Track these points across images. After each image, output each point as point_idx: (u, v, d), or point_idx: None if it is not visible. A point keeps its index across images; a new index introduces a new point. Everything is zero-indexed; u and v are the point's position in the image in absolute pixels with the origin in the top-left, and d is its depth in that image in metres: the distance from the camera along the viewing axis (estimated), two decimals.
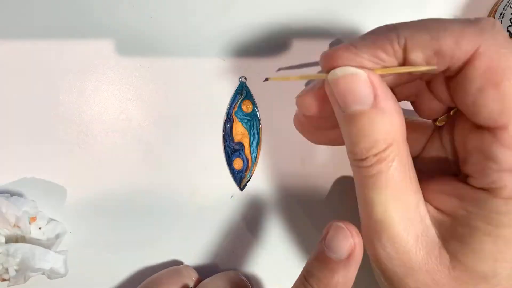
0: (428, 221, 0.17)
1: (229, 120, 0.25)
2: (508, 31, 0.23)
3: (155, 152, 0.26)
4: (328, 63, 0.17)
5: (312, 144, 0.26)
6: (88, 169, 0.26)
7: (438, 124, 0.20)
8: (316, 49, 0.25)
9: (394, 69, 0.16)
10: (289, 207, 0.26)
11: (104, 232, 0.26)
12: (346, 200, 0.26)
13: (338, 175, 0.26)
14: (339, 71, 0.16)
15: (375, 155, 0.16)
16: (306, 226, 0.26)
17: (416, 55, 0.15)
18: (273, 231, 0.27)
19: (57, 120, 0.25)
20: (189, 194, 0.26)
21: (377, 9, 0.25)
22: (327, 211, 0.26)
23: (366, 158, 0.16)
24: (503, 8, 0.23)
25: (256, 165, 0.26)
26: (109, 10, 0.24)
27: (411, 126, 0.19)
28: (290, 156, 0.26)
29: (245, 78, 0.25)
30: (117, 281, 0.27)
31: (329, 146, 0.25)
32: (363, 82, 0.16)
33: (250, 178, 0.26)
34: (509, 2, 0.23)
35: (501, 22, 0.23)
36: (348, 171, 0.26)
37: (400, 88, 0.19)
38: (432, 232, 0.17)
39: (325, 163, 0.26)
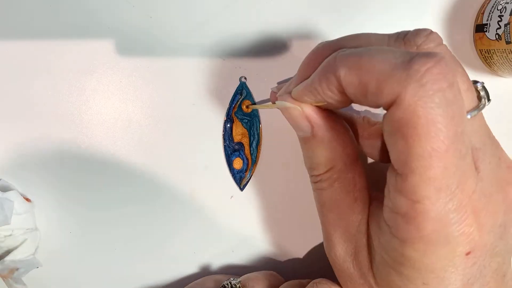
0: (364, 241, 0.18)
1: (229, 120, 0.26)
2: (496, 33, 0.24)
3: (155, 152, 0.26)
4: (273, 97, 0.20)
5: None
6: (88, 169, 0.25)
7: None
8: None
9: (319, 102, 0.18)
10: (288, 207, 0.26)
11: (103, 232, 0.26)
12: None
13: None
14: (278, 104, 0.19)
15: (317, 175, 0.19)
16: (306, 226, 0.27)
17: (350, 93, 0.16)
18: (273, 231, 0.27)
19: (57, 120, 0.25)
20: (189, 194, 0.26)
21: (377, 9, 0.25)
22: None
23: (311, 176, 0.20)
24: (490, 10, 0.24)
25: (256, 165, 0.26)
26: (109, 10, 0.24)
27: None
28: (290, 156, 0.26)
29: (245, 78, 0.26)
30: (115, 281, 0.26)
31: None
32: (298, 115, 0.18)
33: (250, 178, 0.26)
34: (496, 3, 0.24)
35: (489, 25, 0.24)
36: None
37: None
38: (364, 255, 0.18)
39: None
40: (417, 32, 0.17)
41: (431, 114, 0.13)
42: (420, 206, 0.14)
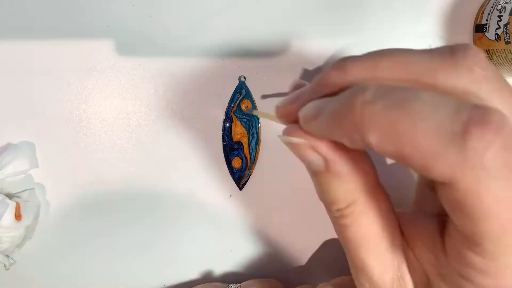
0: (404, 268, 0.16)
1: (228, 119, 0.26)
2: (496, 33, 0.24)
3: (153, 151, 0.26)
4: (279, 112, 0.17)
5: None
6: (87, 168, 0.25)
7: None
8: (315, 49, 0.25)
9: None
10: (287, 207, 0.26)
11: (102, 231, 0.26)
12: None
13: None
14: (283, 138, 0.16)
15: (337, 210, 0.16)
16: (305, 226, 0.27)
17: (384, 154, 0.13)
18: (271, 230, 0.27)
19: (56, 119, 0.25)
20: (187, 193, 0.26)
21: (376, 9, 0.25)
22: (326, 210, 0.26)
23: (328, 210, 0.17)
24: (490, 10, 0.24)
25: (255, 164, 0.26)
26: (109, 9, 0.24)
27: None
28: (289, 156, 0.26)
29: (244, 78, 0.25)
30: (115, 280, 0.26)
31: None
32: (307, 150, 0.15)
33: (249, 178, 0.26)
34: (495, 4, 0.24)
35: (489, 25, 0.24)
36: None
37: None
38: (408, 278, 0.16)
39: None
40: (467, 52, 0.13)
41: (496, 195, 0.11)
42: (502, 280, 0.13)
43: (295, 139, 0.15)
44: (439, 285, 0.15)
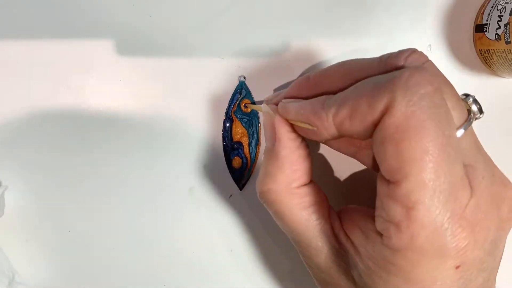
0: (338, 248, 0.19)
1: (228, 119, 0.26)
2: (496, 33, 0.24)
3: (153, 151, 0.26)
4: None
5: (311, 143, 0.26)
6: (87, 168, 0.25)
7: None
8: (315, 49, 0.25)
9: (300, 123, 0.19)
10: None
11: (101, 230, 0.26)
12: (345, 200, 0.26)
13: (337, 174, 0.26)
14: (263, 107, 0.21)
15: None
16: None
17: (344, 128, 0.16)
18: (271, 230, 0.27)
19: (56, 119, 0.25)
20: (187, 193, 0.26)
21: (376, 9, 0.25)
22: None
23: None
24: (490, 10, 0.24)
25: (255, 164, 0.26)
26: (109, 9, 0.24)
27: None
28: None
29: (244, 77, 0.25)
30: (114, 281, 0.26)
31: (328, 147, 0.26)
32: (269, 124, 0.19)
33: (249, 178, 0.26)
34: (496, 3, 0.24)
35: (489, 25, 0.24)
36: (347, 170, 0.26)
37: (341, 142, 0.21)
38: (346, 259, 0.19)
39: (324, 163, 0.26)
40: (399, 53, 0.17)
41: (420, 116, 0.14)
42: (414, 213, 0.14)
43: (267, 107, 0.20)
44: (365, 262, 0.17)
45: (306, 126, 0.18)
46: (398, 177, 0.14)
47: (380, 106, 0.14)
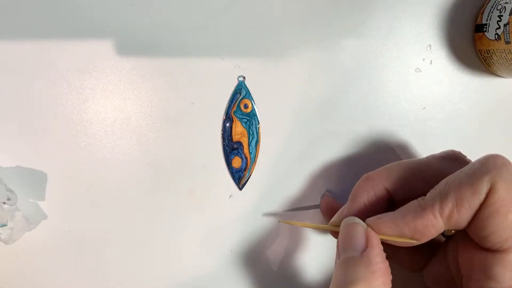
0: None
1: (228, 119, 0.26)
2: (496, 33, 0.24)
3: (153, 151, 0.26)
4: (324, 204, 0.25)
5: (311, 143, 0.26)
6: (87, 168, 0.25)
7: (447, 234, 0.22)
8: (315, 49, 0.25)
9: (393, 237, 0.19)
10: (287, 207, 0.26)
11: (100, 230, 0.26)
12: (345, 200, 0.26)
13: (337, 174, 0.26)
14: (349, 220, 0.21)
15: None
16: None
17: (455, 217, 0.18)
18: (271, 230, 0.27)
19: (56, 119, 0.25)
20: (187, 193, 0.26)
21: (377, 9, 0.25)
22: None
23: None
24: (490, 10, 0.24)
25: (255, 164, 0.26)
26: (108, 9, 0.24)
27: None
28: (288, 156, 0.26)
29: (244, 78, 0.25)
30: (115, 281, 0.26)
31: (328, 147, 0.26)
32: (361, 232, 0.20)
33: (249, 178, 0.26)
34: (495, 3, 0.24)
35: (489, 25, 0.24)
36: (347, 171, 0.26)
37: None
38: None
39: (324, 163, 0.26)
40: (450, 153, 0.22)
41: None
42: None
43: (358, 219, 0.20)
44: None
45: (405, 240, 0.19)
46: (507, 246, 0.17)
47: (484, 189, 0.17)
